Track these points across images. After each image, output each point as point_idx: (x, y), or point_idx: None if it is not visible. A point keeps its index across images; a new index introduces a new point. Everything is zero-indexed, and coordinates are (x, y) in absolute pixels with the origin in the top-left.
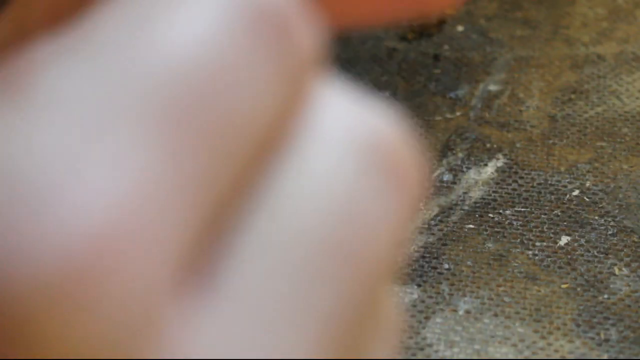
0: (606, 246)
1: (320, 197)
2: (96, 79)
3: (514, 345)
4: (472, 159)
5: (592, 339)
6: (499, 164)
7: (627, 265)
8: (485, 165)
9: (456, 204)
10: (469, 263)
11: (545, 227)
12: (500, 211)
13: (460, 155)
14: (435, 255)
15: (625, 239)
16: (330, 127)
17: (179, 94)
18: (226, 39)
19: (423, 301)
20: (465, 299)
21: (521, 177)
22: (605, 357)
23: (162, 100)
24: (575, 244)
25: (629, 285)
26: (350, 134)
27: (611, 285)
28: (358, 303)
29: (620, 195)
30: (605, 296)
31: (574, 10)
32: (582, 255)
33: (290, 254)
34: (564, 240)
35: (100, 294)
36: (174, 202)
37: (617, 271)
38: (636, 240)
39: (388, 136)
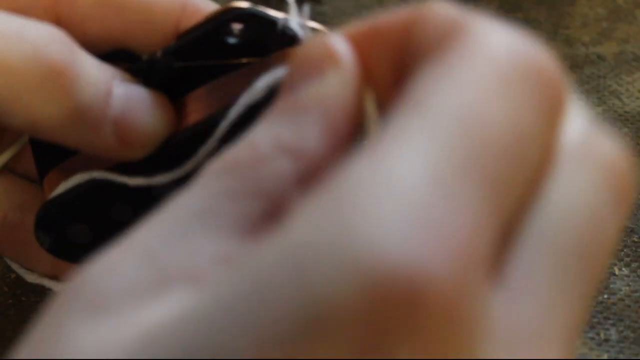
0: None
1: (574, 215)
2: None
3: None
4: None
5: (592, 339)
6: None
7: (627, 265)
8: None
9: None
10: None
11: None
12: None
13: None
14: None
15: (625, 239)
16: (575, 153)
17: (491, 162)
18: (514, 104)
19: None
20: None
21: None
22: (605, 357)
23: (479, 164)
24: None
25: (629, 285)
26: (591, 158)
27: (611, 285)
28: (593, 291)
29: None
30: (605, 296)
31: (574, 10)
32: None
33: (557, 257)
34: None
35: (461, 292)
36: (485, 231)
37: (617, 271)
38: (636, 240)
39: (619, 160)
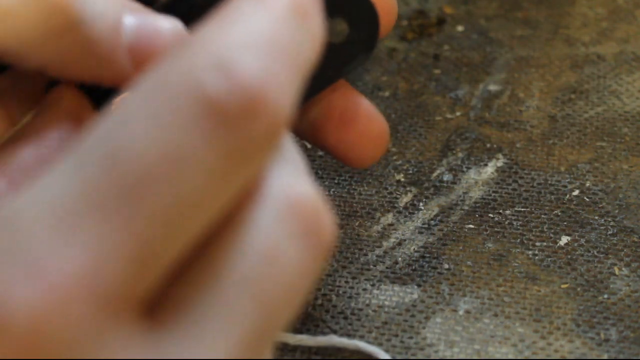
0: (606, 246)
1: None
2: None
3: (514, 345)
4: (472, 159)
5: (592, 339)
6: (499, 164)
7: (627, 265)
8: (485, 165)
9: (456, 204)
10: (469, 263)
11: (545, 227)
12: (500, 211)
13: (460, 155)
14: (435, 255)
15: (625, 239)
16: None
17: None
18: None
19: (423, 301)
20: (465, 299)
21: (521, 177)
22: (605, 357)
23: None
24: (575, 244)
25: (629, 285)
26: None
27: (611, 285)
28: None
29: (620, 195)
30: (605, 296)
31: (574, 10)
32: (582, 255)
33: (231, 301)
34: (564, 240)
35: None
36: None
37: (617, 271)
38: (636, 240)
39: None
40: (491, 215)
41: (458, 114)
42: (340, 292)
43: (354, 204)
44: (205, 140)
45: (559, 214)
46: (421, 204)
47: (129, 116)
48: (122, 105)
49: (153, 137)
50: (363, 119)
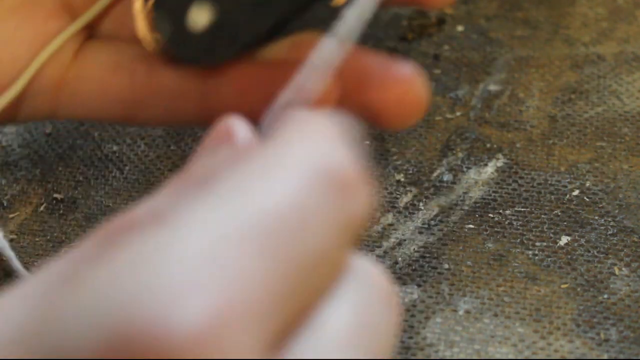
0: (606, 246)
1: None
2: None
3: (514, 345)
4: (472, 159)
5: (592, 339)
6: (499, 164)
7: (627, 265)
8: (485, 165)
9: (456, 204)
10: (469, 263)
11: (545, 227)
12: (500, 211)
13: (460, 155)
14: (435, 255)
15: (625, 239)
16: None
17: (271, 237)
18: (304, 199)
19: (423, 301)
20: (465, 299)
21: (521, 177)
22: (605, 357)
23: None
24: (575, 244)
25: (629, 285)
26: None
27: (611, 285)
28: None
29: (620, 195)
30: (605, 296)
31: (574, 10)
32: (582, 255)
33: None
34: (564, 240)
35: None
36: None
37: (617, 271)
38: (636, 240)
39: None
40: (491, 215)
41: (458, 114)
42: None
43: None
44: (331, 205)
45: (559, 214)
46: (421, 204)
47: (270, 174)
48: (259, 156)
49: (296, 199)
50: (395, 82)
